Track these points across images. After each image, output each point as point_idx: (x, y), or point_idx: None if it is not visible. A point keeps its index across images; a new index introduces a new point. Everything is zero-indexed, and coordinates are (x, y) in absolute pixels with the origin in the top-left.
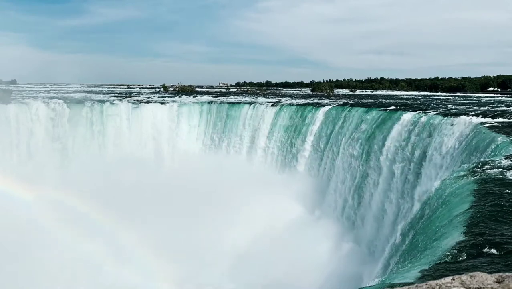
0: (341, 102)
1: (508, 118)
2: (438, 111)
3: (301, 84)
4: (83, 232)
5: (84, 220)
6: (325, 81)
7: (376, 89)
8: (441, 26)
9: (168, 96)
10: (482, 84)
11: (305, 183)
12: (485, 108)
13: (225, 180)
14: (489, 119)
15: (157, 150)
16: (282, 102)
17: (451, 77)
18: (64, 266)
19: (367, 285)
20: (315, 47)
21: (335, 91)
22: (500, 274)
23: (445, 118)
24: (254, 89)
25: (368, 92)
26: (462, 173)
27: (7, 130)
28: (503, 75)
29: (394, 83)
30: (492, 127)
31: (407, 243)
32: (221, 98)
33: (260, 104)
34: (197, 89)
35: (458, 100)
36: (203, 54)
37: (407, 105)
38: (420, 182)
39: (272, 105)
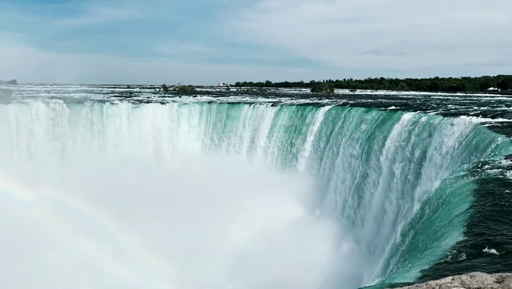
0: (341, 102)
1: (508, 118)
2: (438, 111)
3: (301, 84)
4: (83, 232)
5: (84, 220)
6: (325, 81)
7: (376, 89)
8: (441, 26)
9: (168, 96)
10: (482, 84)
11: (305, 182)
12: (485, 108)
13: (225, 180)
14: (489, 119)
15: (157, 150)
16: (282, 102)
17: (451, 77)
18: (64, 266)
19: (367, 285)
20: (315, 47)
21: (335, 91)
22: (500, 274)
23: (445, 118)
24: (254, 89)
25: (368, 92)
26: (462, 173)
27: (7, 130)
28: (503, 75)
29: (394, 83)
30: (492, 127)
31: (407, 243)
32: (221, 98)
33: (260, 104)
34: (197, 89)
35: (458, 100)
36: (203, 54)
37: (407, 105)
38: (420, 182)
39: (272, 105)
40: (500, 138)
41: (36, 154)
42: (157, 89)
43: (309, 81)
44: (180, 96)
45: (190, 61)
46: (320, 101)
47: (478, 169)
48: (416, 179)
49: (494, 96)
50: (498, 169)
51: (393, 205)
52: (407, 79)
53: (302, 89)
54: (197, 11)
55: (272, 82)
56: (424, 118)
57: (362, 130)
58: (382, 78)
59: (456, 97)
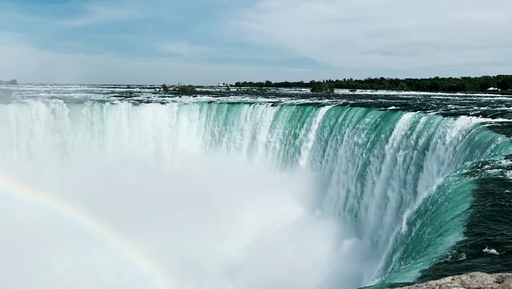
0: (341, 102)
1: (508, 118)
2: (438, 111)
3: (301, 84)
4: (83, 232)
5: (84, 220)
6: (325, 81)
7: (376, 89)
8: (441, 26)
9: (168, 96)
10: (482, 84)
11: (305, 182)
12: (485, 108)
13: (225, 180)
14: (489, 119)
15: (157, 150)
16: (282, 102)
17: (451, 77)
18: (64, 266)
19: (367, 285)
20: (315, 47)
21: (335, 91)
22: (500, 274)
23: (445, 118)
24: (254, 89)
25: (368, 92)
26: (462, 173)
27: (7, 130)
28: (503, 75)
29: (394, 83)
30: (492, 127)
31: (406, 244)
32: (221, 98)
33: (260, 104)
34: (197, 89)
35: (458, 100)
36: (203, 54)
37: (407, 105)
38: (420, 182)
39: (272, 105)
40: (500, 138)
41: (36, 154)
42: (157, 89)
43: (309, 81)
44: (180, 96)
45: (190, 61)
46: (320, 101)
47: (478, 169)
48: (415, 182)
49: (494, 96)
50: (498, 169)
51: (395, 192)
52: (407, 79)
53: (302, 89)
54: (197, 11)
55: (272, 82)
56: (424, 119)
57: (362, 132)
58: (382, 78)
59: (456, 97)
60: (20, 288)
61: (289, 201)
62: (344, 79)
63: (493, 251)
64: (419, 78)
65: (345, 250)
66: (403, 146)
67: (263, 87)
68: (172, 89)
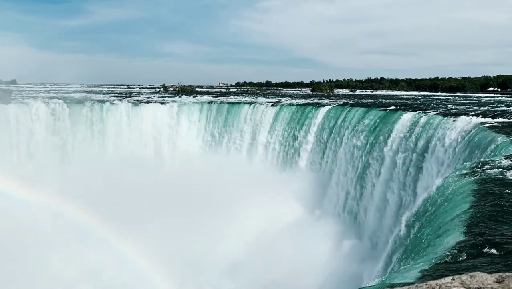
0: (341, 102)
1: (508, 118)
2: (438, 111)
3: (301, 84)
4: (83, 232)
5: (84, 220)
6: (325, 81)
7: (376, 89)
8: (441, 26)
9: (168, 96)
10: (482, 84)
11: (305, 182)
12: (485, 108)
13: (225, 180)
14: (489, 119)
15: (157, 150)
16: (282, 102)
17: (451, 77)
18: (64, 266)
19: (367, 285)
20: (315, 47)
21: (335, 91)
22: (500, 274)
23: (445, 118)
24: (254, 89)
25: (368, 92)
26: (462, 173)
27: (7, 130)
28: (503, 75)
29: (394, 83)
30: (492, 127)
31: (405, 245)
32: (221, 98)
33: (260, 104)
34: (197, 89)
35: (458, 100)
36: (203, 54)
37: (407, 105)
38: (421, 177)
39: (272, 105)
40: (500, 138)
41: (36, 154)
42: (157, 89)
43: (309, 81)
44: (180, 96)
45: (190, 61)
46: (320, 101)
47: (478, 169)
48: (416, 177)
49: (494, 96)
50: (498, 169)
51: (395, 195)
52: (407, 79)
53: (302, 89)
54: (197, 11)
55: (272, 82)
56: (424, 119)
57: (362, 133)
58: (382, 78)
59: (456, 97)
60: (20, 288)
61: (289, 200)
62: (344, 79)
63: (493, 251)
64: (419, 78)
65: (345, 250)
66: (402, 148)
67: (263, 87)
68: (172, 89)
